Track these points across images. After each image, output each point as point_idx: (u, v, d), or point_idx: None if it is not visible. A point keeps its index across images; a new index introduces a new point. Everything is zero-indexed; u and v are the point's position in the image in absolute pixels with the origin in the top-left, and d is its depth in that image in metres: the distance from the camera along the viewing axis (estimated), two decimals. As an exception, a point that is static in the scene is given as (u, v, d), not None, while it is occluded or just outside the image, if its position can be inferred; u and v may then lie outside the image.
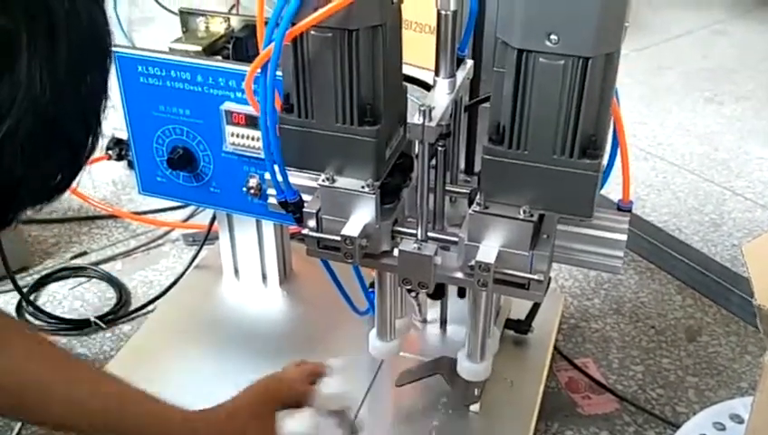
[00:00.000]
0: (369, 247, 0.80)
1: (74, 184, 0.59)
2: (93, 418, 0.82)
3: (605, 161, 0.80)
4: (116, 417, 0.84)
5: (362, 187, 0.77)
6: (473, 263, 0.76)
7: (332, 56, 0.72)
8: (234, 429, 0.89)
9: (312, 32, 0.71)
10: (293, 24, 0.69)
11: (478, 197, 0.75)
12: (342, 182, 0.78)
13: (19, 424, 1.11)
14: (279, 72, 0.74)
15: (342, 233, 0.78)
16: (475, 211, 0.75)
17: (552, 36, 0.65)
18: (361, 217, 0.79)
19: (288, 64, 0.74)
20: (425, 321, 1.14)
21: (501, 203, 0.74)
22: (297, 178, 0.82)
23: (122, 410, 0.84)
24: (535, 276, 0.76)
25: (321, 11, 0.68)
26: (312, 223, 0.81)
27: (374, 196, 0.77)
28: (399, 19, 0.76)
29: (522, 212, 0.74)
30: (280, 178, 0.80)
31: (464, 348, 0.94)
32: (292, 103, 0.76)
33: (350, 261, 0.80)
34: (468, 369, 0.94)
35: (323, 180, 0.78)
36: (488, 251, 0.76)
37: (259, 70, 0.74)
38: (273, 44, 0.71)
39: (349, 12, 0.68)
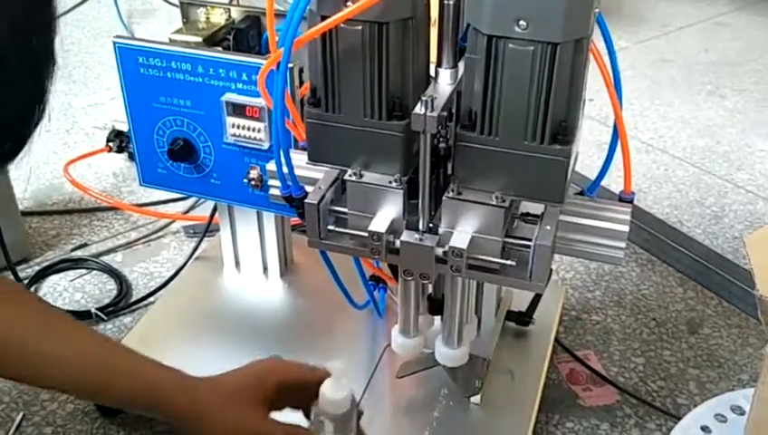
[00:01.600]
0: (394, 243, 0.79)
1: (20, 157, 0.58)
2: (81, 377, 0.80)
3: (605, 152, 0.80)
4: (104, 378, 0.81)
5: (390, 182, 0.77)
6: (446, 248, 0.76)
7: (362, 50, 0.71)
8: (219, 400, 0.82)
9: (342, 25, 0.70)
10: (323, 18, 0.69)
11: (452, 183, 0.76)
12: (369, 177, 0.78)
13: (20, 415, 1.11)
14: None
15: (370, 229, 0.78)
16: (448, 197, 0.75)
17: (521, 22, 0.65)
18: (388, 212, 0.78)
19: (315, 58, 0.74)
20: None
21: (474, 189, 0.75)
22: (300, 170, 0.82)
23: (110, 373, 0.81)
24: (507, 261, 0.76)
25: (357, 4, 0.67)
26: (313, 216, 0.80)
27: (401, 191, 0.77)
28: (428, 12, 0.75)
29: (494, 198, 0.74)
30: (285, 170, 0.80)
31: (441, 334, 0.94)
32: (318, 97, 0.75)
33: (376, 257, 0.80)
34: (445, 354, 0.94)
35: (350, 175, 0.78)
36: (461, 237, 0.76)
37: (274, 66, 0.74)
38: (299, 37, 0.70)
39: (380, 4, 0.68)
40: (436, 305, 0.94)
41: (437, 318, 0.99)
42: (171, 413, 0.82)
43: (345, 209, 0.81)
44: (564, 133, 0.70)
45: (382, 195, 0.78)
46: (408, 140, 0.75)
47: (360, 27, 0.70)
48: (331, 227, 0.82)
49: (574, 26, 0.66)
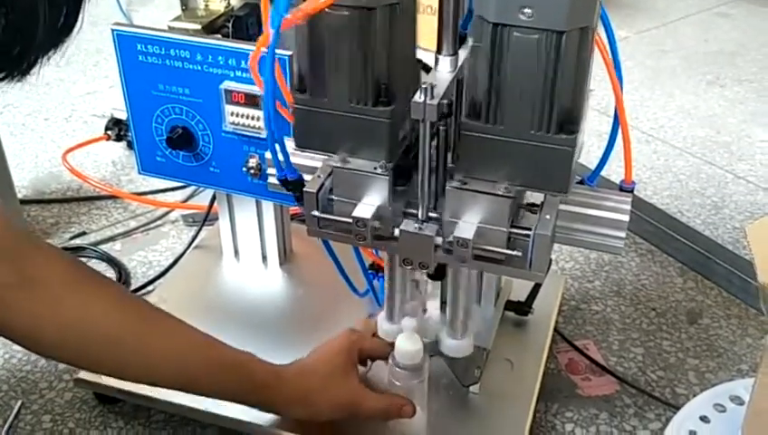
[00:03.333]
0: (381, 229, 0.79)
1: (76, 29, 0.62)
2: (169, 372, 0.83)
3: (606, 142, 0.80)
4: (206, 373, 0.84)
5: (375, 168, 0.77)
6: (452, 239, 0.76)
7: (348, 35, 0.71)
8: (318, 381, 0.91)
9: (328, 10, 0.69)
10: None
11: (456, 173, 0.75)
12: (355, 164, 0.77)
13: (19, 403, 1.11)
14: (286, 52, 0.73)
15: (354, 215, 0.77)
16: (453, 187, 0.75)
17: (526, 10, 0.65)
18: (374, 198, 0.78)
19: (302, 44, 0.73)
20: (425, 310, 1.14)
21: (479, 179, 0.74)
22: (298, 158, 0.82)
23: (213, 368, 0.84)
24: (513, 252, 0.76)
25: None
26: (311, 205, 0.80)
27: (387, 177, 0.77)
28: None
29: (501, 189, 0.74)
30: (281, 156, 0.79)
31: (445, 326, 0.93)
32: (305, 83, 0.75)
33: (361, 243, 0.79)
34: (450, 346, 0.94)
35: (336, 162, 0.78)
36: (467, 227, 0.75)
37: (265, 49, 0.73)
38: (285, 20, 0.69)
39: None
40: (437, 272, 0.94)
41: (430, 305, 0.99)
42: (275, 404, 0.91)
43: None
44: (570, 122, 0.69)
45: (368, 181, 0.77)
46: (393, 127, 0.75)
47: (345, 12, 0.70)
48: (319, 214, 0.81)
49: (579, 14, 0.65)
